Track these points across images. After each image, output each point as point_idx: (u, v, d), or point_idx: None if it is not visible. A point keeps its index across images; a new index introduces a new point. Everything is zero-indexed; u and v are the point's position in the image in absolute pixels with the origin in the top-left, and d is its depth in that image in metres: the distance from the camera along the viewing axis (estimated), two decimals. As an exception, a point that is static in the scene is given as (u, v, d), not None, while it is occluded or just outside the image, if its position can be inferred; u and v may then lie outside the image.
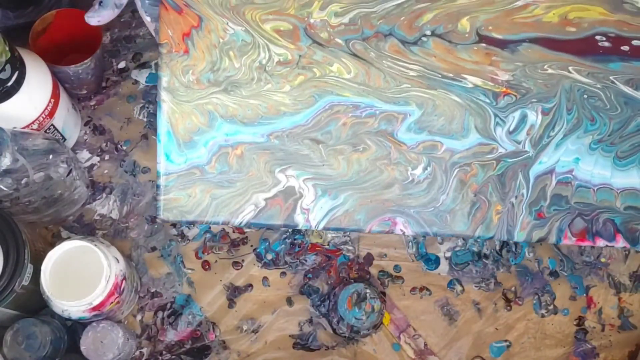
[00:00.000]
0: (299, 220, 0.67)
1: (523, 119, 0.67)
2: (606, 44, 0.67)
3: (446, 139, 0.67)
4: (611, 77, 0.67)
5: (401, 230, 0.68)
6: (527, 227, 0.68)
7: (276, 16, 0.66)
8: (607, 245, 0.69)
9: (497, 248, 0.78)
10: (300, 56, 0.67)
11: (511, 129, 0.67)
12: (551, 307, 0.77)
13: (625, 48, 0.67)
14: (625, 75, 0.67)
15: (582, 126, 0.67)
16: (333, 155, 0.67)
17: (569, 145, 0.67)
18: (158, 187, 0.67)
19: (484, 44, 0.67)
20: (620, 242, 0.68)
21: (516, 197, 0.67)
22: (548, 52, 0.67)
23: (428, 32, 0.67)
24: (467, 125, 0.67)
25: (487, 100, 0.67)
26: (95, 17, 0.66)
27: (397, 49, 0.67)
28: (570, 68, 0.67)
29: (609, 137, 0.67)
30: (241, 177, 0.67)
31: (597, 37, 0.67)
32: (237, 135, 0.67)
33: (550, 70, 0.67)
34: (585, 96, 0.67)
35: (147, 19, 0.68)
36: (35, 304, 0.66)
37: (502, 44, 0.67)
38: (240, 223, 0.67)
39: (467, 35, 0.67)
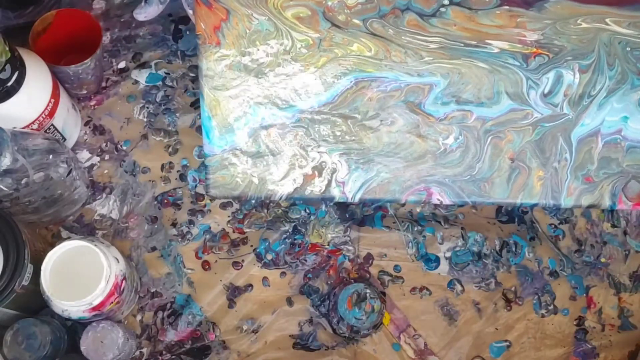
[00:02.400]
0: (335, 193, 0.68)
1: (558, 79, 0.64)
2: None
3: (476, 108, 0.65)
4: None
5: (438, 200, 0.66)
6: (574, 192, 0.65)
7: (296, 2, 0.66)
8: None
9: (497, 248, 0.78)
10: (320, 40, 0.67)
11: (546, 91, 0.64)
12: (551, 307, 0.77)
13: None
14: None
15: (628, 81, 0.63)
16: (362, 130, 0.67)
17: (614, 104, 0.64)
18: (206, 167, 0.70)
19: (506, 7, 0.64)
20: None
21: (559, 162, 0.64)
22: (580, 5, 0.63)
23: (446, 2, 0.65)
24: (497, 91, 0.65)
25: (517, 63, 0.64)
26: (142, 14, 0.73)
27: (415, 23, 0.66)
28: (607, 20, 0.63)
29: None
30: (276, 156, 0.69)
31: None
32: (270, 118, 0.69)
33: (584, 25, 0.63)
34: (628, 48, 0.63)
35: (189, 12, 0.74)
36: (35, 304, 0.66)
37: (526, 4, 0.64)
38: (281, 197, 0.69)
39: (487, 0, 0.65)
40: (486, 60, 0.65)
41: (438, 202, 0.67)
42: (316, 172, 0.68)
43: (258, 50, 0.67)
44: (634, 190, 0.64)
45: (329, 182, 0.68)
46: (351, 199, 0.68)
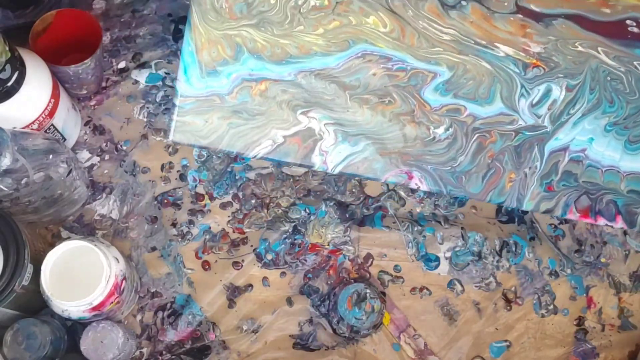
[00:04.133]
0: (316, 161, 0.67)
1: (547, 93, 0.68)
2: (635, 29, 0.68)
3: (471, 104, 0.68)
4: (635, 63, 0.69)
5: (416, 185, 0.68)
6: (536, 197, 0.69)
7: None
8: (606, 225, 0.70)
9: (497, 248, 0.78)
10: (337, 3, 0.66)
11: (534, 101, 0.68)
12: (551, 307, 0.77)
13: None
14: None
15: (601, 107, 0.69)
16: (358, 103, 0.67)
17: (585, 125, 0.69)
18: (174, 106, 0.65)
19: (520, 15, 0.68)
20: (620, 223, 0.70)
21: (529, 168, 0.69)
22: (581, 30, 0.68)
23: None
24: (493, 93, 0.68)
25: (517, 70, 0.68)
26: None
27: (435, 11, 0.67)
28: (599, 49, 0.68)
29: (624, 120, 0.69)
30: (262, 111, 0.66)
31: (628, 22, 0.68)
32: (263, 71, 0.66)
33: (580, 48, 0.68)
34: (608, 78, 0.68)
35: None
36: (35, 304, 0.66)
37: (538, 17, 0.68)
38: (256, 155, 0.66)
39: (506, 4, 0.68)
40: (491, 62, 0.68)
41: (415, 187, 0.68)
42: (300, 137, 0.66)
43: None
44: (583, 205, 0.70)
45: (312, 149, 0.67)
46: (331, 169, 0.67)
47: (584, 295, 0.78)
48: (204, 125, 0.65)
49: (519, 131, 0.69)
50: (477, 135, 0.68)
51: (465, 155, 0.68)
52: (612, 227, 0.71)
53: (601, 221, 0.70)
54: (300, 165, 0.67)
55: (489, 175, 0.69)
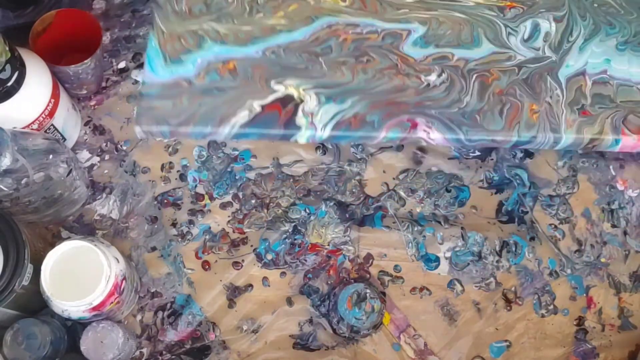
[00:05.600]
0: (302, 122, 0.61)
1: (536, 27, 0.66)
2: None
3: (457, 50, 0.65)
4: None
5: (424, 132, 0.61)
6: (574, 124, 0.63)
7: None
8: None
9: (497, 248, 0.78)
10: None
11: (525, 37, 0.66)
12: (551, 307, 0.77)
13: None
14: None
15: (602, 30, 0.66)
16: (335, 66, 0.63)
17: (593, 48, 0.66)
18: (141, 94, 0.62)
19: None
20: None
21: (551, 97, 0.64)
22: None
23: None
24: (477, 37, 0.65)
25: (494, 13, 0.66)
26: None
27: None
28: None
29: (634, 38, 0.66)
30: (233, 85, 0.62)
31: None
32: (229, 53, 0.63)
33: None
34: (595, 5, 0.67)
35: None
36: (35, 304, 0.66)
37: None
38: (231, 130, 0.61)
39: None
40: (464, 11, 0.66)
41: (424, 136, 0.61)
42: (280, 103, 0.61)
43: None
44: (634, 124, 0.63)
45: (295, 112, 0.61)
46: (320, 130, 0.60)
47: (584, 295, 0.78)
48: (172, 106, 0.61)
49: (521, 65, 0.65)
50: (475, 75, 0.64)
51: (469, 94, 0.63)
52: None
53: None
54: (283, 136, 0.61)
55: (505, 110, 0.63)
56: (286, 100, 0.61)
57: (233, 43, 0.63)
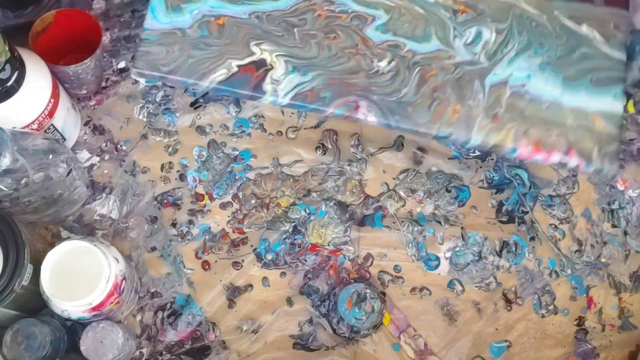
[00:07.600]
0: (267, 88, 0.70)
1: (479, 34, 0.73)
2: None
3: (409, 41, 0.73)
4: (555, 12, 0.74)
5: (364, 115, 0.70)
6: (485, 128, 0.70)
7: None
8: (560, 162, 0.70)
9: (497, 248, 0.78)
10: None
11: (468, 41, 0.73)
12: (551, 307, 0.77)
13: None
14: (568, 12, 0.74)
15: (532, 47, 0.73)
16: (306, 39, 0.72)
17: (520, 62, 0.72)
18: (142, 39, 0.71)
19: None
20: (574, 159, 0.70)
21: (473, 100, 0.71)
22: None
23: None
24: (429, 33, 0.73)
25: (448, 15, 0.73)
26: None
27: None
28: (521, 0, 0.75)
29: (557, 61, 0.73)
30: (219, 43, 0.71)
31: None
32: (222, 9, 0.72)
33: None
34: (533, 24, 0.74)
35: None
36: (35, 304, 0.66)
37: None
38: (210, 85, 0.70)
39: None
40: (423, 6, 0.74)
41: (363, 118, 0.70)
42: (254, 67, 0.70)
43: None
44: (534, 137, 0.70)
45: (264, 77, 0.70)
46: (282, 97, 0.70)
47: (584, 295, 0.78)
48: (165, 54, 0.70)
49: (457, 65, 0.72)
50: (418, 68, 0.72)
51: (408, 87, 0.71)
52: (567, 164, 0.70)
53: (555, 156, 0.70)
54: (251, 97, 0.70)
55: (434, 105, 0.70)
56: (259, 64, 0.71)
57: (227, 0, 0.73)
